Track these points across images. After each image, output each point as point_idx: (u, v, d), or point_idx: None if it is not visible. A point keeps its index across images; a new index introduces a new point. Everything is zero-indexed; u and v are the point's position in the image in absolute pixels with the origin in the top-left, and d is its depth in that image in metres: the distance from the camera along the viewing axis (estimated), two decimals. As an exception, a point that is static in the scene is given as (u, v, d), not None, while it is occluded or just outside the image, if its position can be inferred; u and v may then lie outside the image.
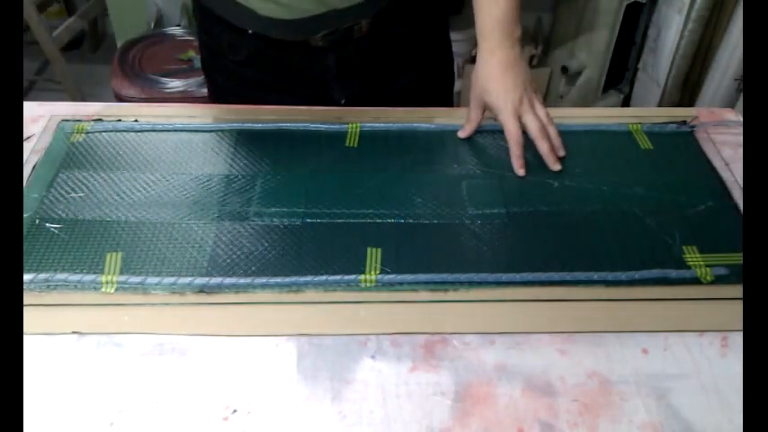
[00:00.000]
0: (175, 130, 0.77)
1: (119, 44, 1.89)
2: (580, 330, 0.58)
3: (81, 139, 0.75)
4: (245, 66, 0.83)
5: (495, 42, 0.74)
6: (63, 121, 0.78)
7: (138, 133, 0.76)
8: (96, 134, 0.76)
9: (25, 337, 0.55)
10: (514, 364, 0.56)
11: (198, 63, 1.72)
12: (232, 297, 0.59)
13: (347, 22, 0.77)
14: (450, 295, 0.60)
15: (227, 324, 0.57)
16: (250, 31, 0.78)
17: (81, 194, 0.68)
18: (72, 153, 0.73)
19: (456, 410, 0.52)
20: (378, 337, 0.57)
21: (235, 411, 0.51)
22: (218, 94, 0.90)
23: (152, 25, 1.92)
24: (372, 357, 0.56)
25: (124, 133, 0.76)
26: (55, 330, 0.56)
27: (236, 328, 0.57)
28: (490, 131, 0.78)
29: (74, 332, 0.56)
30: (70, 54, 2.17)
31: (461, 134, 0.77)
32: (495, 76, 0.73)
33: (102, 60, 2.21)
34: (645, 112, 0.85)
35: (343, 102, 0.86)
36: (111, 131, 0.76)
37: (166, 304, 0.58)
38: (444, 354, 0.56)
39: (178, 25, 1.90)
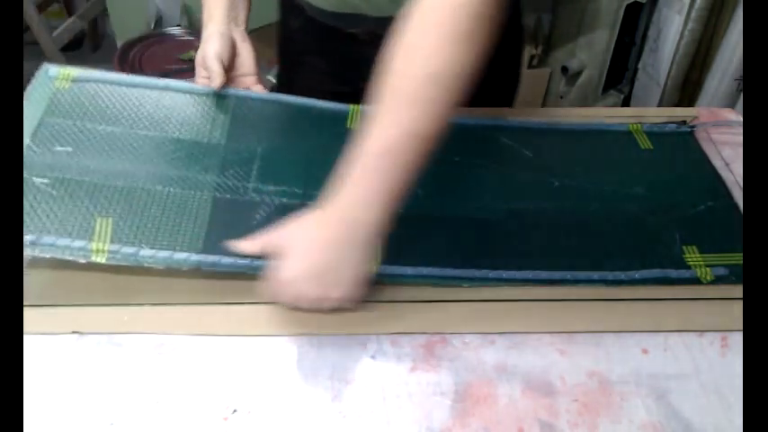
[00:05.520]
0: (169, 89, 0.72)
1: (119, 44, 1.89)
2: (580, 330, 0.58)
3: (67, 87, 0.69)
4: (302, 32, 0.84)
5: (348, 196, 0.54)
6: (47, 64, 0.71)
7: (130, 88, 0.71)
8: (83, 83, 0.70)
9: (25, 337, 0.55)
10: (514, 364, 0.56)
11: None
12: (232, 297, 0.59)
13: (379, 28, 0.77)
14: (451, 295, 0.60)
15: (228, 324, 0.57)
16: (300, 4, 0.80)
17: (68, 149, 0.63)
18: (57, 100, 0.68)
19: (456, 410, 0.52)
20: (378, 337, 0.57)
21: (235, 411, 0.51)
22: (284, 61, 0.92)
23: (152, 25, 1.92)
24: (372, 357, 0.56)
25: (115, 86, 0.71)
26: (55, 330, 0.56)
27: (236, 328, 0.57)
28: (492, 127, 0.78)
29: (74, 332, 0.56)
30: (70, 54, 2.17)
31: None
32: (314, 242, 0.54)
33: (102, 60, 2.21)
34: (645, 112, 0.85)
35: None
36: (100, 82, 0.71)
37: (166, 304, 0.58)
38: (444, 354, 0.56)
39: (178, 25, 1.90)
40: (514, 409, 0.52)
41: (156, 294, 0.59)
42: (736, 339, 0.58)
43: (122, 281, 0.60)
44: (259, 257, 0.58)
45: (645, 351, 0.57)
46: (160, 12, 1.95)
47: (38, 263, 0.61)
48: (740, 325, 0.58)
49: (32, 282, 0.59)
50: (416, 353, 0.56)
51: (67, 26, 1.96)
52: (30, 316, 0.56)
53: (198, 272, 0.61)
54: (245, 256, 0.59)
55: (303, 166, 0.68)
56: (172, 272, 0.61)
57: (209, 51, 0.72)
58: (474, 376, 0.55)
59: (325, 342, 0.56)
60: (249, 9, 0.77)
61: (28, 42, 1.89)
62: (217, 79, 0.71)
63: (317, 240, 0.54)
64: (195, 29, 1.89)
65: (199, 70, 0.74)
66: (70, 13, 2.16)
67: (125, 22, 1.98)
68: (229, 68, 0.74)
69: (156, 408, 0.51)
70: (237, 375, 0.54)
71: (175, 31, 1.84)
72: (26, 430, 0.49)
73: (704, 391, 0.54)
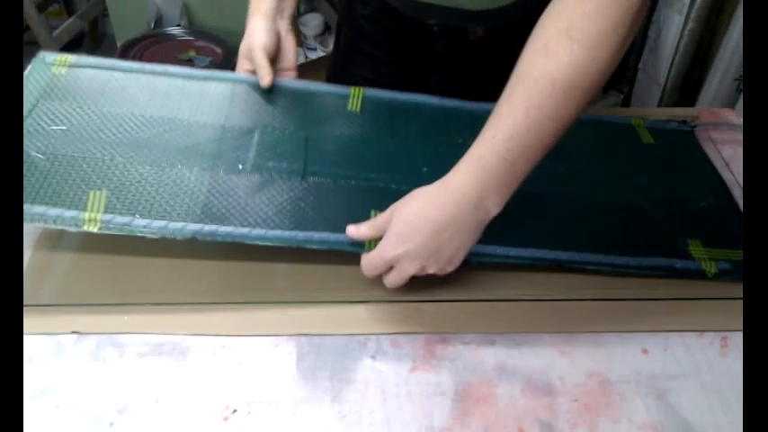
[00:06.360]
0: (167, 74, 0.71)
1: (119, 44, 1.89)
2: (580, 330, 0.58)
3: (63, 72, 0.68)
4: (369, 21, 0.84)
5: (469, 180, 0.53)
6: (43, 51, 0.71)
7: (127, 73, 0.70)
8: (81, 69, 0.69)
9: (25, 337, 0.55)
10: (514, 364, 0.56)
11: (199, 63, 1.73)
12: (232, 297, 0.59)
13: (458, 22, 0.76)
14: (451, 295, 0.60)
15: (227, 324, 0.57)
16: None
17: (63, 127, 0.63)
18: (53, 85, 0.67)
19: (456, 410, 0.52)
20: (378, 337, 0.57)
21: (235, 411, 0.51)
22: (342, 47, 0.91)
23: (152, 25, 1.92)
24: (372, 357, 0.56)
25: (112, 71, 0.70)
26: (55, 330, 0.56)
27: (236, 328, 0.57)
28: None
29: (74, 332, 0.56)
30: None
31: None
32: (426, 221, 0.53)
33: (102, 60, 2.21)
34: (645, 112, 0.86)
35: (438, 93, 0.85)
36: (97, 68, 0.70)
37: (166, 304, 0.58)
38: (444, 354, 0.56)
39: (178, 25, 1.90)
40: (514, 409, 0.52)
41: (156, 294, 0.59)
42: (736, 339, 0.58)
43: (122, 281, 0.60)
44: (262, 229, 0.58)
45: (645, 351, 0.57)
46: (160, 12, 1.95)
47: (38, 262, 0.61)
48: (740, 325, 0.58)
49: (32, 282, 0.59)
50: (416, 353, 0.56)
51: (67, 26, 1.96)
52: (30, 316, 0.56)
53: (198, 271, 0.61)
54: (243, 226, 0.58)
55: (303, 145, 0.67)
56: (172, 272, 0.61)
57: (257, 43, 0.70)
58: (474, 376, 0.55)
59: (326, 342, 0.56)
60: (297, 3, 0.76)
61: (28, 42, 1.89)
62: (266, 76, 0.70)
63: (433, 221, 0.53)
64: (195, 29, 1.89)
65: (241, 62, 0.73)
66: (70, 13, 2.16)
67: (125, 22, 1.97)
68: (272, 62, 0.73)
69: (156, 408, 0.51)
70: (237, 375, 0.54)
71: (175, 31, 1.84)
72: (26, 430, 0.49)
73: (704, 391, 0.54)
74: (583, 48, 0.50)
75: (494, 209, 0.54)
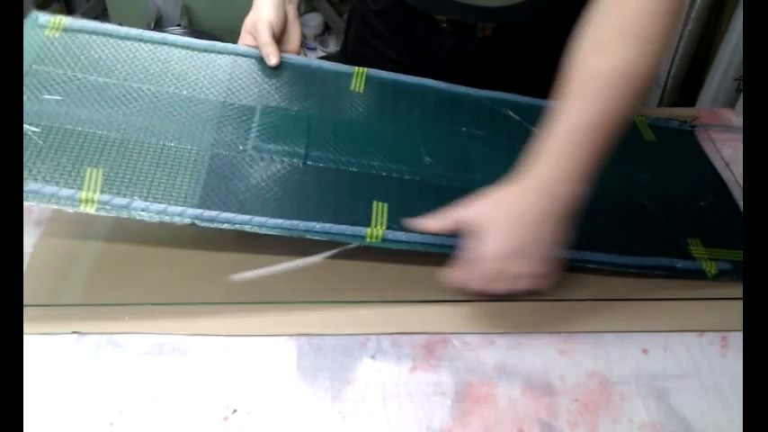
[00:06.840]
0: (165, 43, 0.69)
1: (119, 44, 1.89)
2: (580, 330, 0.58)
3: (57, 36, 0.65)
4: (379, 17, 0.84)
5: (557, 171, 0.53)
6: (35, 11, 0.67)
7: (124, 40, 0.67)
8: (75, 33, 0.66)
9: (25, 337, 0.55)
10: (514, 364, 0.56)
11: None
12: (232, 297, 0.59)
13: (469, 18, 0.76)
14: (451, 295, 0.60)
15: (228, 324, 0.57)
16: None
17: (58, 97, 0.60)
18: (47, 48, 0.64)
19: (456, 410, 0.52)
20: (378, 337, 0.57)
21: (235, 411, 0.51)
22: (351, 43, 0.91)
23: (152, 25, 1.92)
24: (372, 357, 0.56)
25: (108, 38, 0.67)
26: (55, 330, 0.56)
27: (236, 328, 0.57)
28: (499, 101, 0.76)
29: (74, 332, 0.56)
30: (70, 54, 2.17)
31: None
32: (523, 213, 0.53)
33: (103, 60, 2.21)
34: (646, 112, 0.85)
35: None
36: (93, 34, 0.67)
37: (166, 304, 0.58)
38: (444, 354, 0.56)
39: (178, 25, 1.90)
40: (514, 410, 0.52)
41: (156, 294, 0.59)
42: (736, 339, 0.58)
43: (122, 281, 0.60)
44: (263, 217, 0.57)
45: (645, 351, 0.57)
46: (160, 12, 1.95)
47: (38, 263, 0.61)
48: (740, 325, 0.58)
49: (32, 282, 0.59)
50: (416, 353, 0.56)
51: (67, 26, 1.95)
52: (30, 316, 0.56)
53: (197, 271, 0.61)
54: (244, 213, 0.57)
55: (305, 126, 0.66)
56: (172, 272, 0.61)
57: (264, 18, 0.69)
58: (474, 376, 0.55)
59: (326, 342, 0.56)
60: None
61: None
62: (272, 55, 0.69)
63: (522, 214, 0.52)
64: (195, 29, 1.89)
65: (245, 36, 0.71)
66: (70, 13, 2.16)
67: (125, 23, 1.97)
68: (277, 42, 0.72)
69: (156, 408, 0.51)
70: (237, 375, 0.54)
71: (175, 31, 1.84)
72: (26, 430, 0.49)
73: (704, 391, 0.54)
74: (637, 39, 0.51)
75: (577, 198, 0.54)
